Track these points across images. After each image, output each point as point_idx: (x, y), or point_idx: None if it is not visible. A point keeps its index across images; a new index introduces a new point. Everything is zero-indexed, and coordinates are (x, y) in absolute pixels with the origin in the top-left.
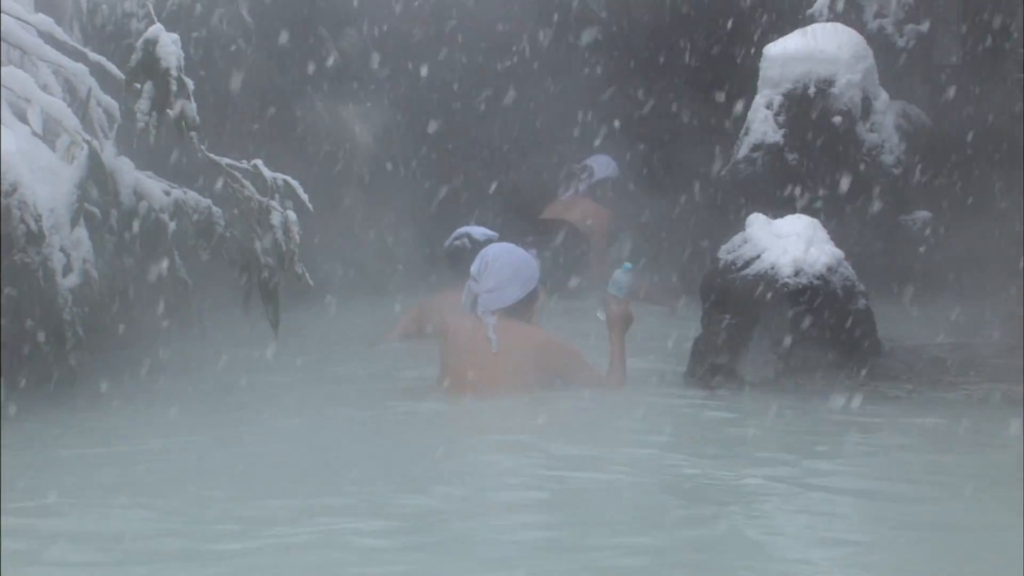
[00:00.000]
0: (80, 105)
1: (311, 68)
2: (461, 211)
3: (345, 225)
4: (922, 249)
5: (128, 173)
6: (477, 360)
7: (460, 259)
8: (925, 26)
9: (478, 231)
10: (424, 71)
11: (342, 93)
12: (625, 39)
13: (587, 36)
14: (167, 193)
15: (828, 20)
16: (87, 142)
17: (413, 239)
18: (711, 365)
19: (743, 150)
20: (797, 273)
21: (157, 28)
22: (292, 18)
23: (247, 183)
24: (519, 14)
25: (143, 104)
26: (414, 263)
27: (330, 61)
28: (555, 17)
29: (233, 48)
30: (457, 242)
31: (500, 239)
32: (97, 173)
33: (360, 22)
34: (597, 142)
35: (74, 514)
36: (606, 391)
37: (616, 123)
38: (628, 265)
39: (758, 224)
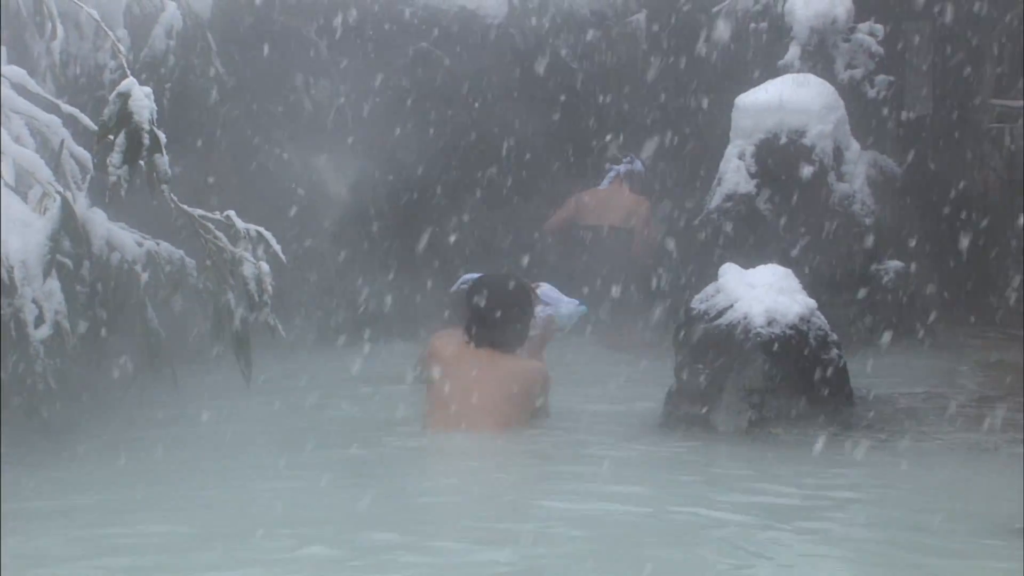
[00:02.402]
0: (53, 157)
1: (285, 119)
2: (435, 262)
3: (317, 275)
4: (893, 298)
5: (101, 224)
6: (462, 394)
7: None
8: (895, 77)
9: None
10: (397, 122)
11: (316, 144)
12: (598, 90)
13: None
14: (140, 244)
15: (799, 71)
16: (60, 193)
17: (385, 289)
18: (685, 414)
19: (716, 200)
20: (770, 323)
21: (130, 81)
22: (266, 69)
23: (219, 234)
24: (491, 67)
25: (115, 157)
26: (387, 313)
27: (303, 112)
28: (529, 69)
29: (206, 99)
30: (464, 286)
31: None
32: (69, 224)
33: (333, 73)
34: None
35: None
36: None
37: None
38: (584, 308)
39: (731, 274)
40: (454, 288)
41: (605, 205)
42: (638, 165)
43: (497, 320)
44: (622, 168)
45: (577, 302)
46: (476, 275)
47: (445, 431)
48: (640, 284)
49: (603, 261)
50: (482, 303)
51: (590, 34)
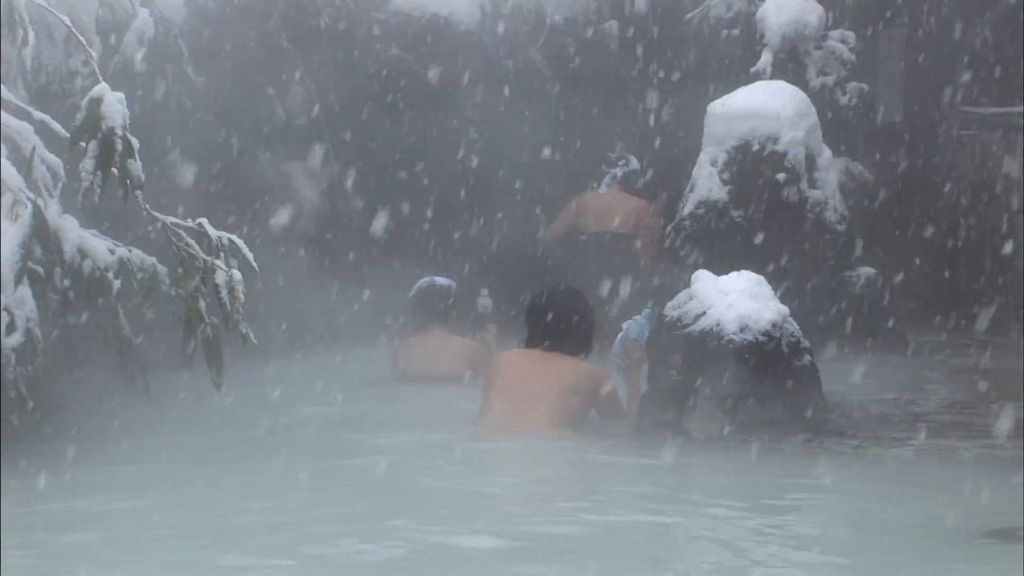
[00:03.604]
0: (24, 163)
1: (257, 126)
2: (409, 266)
3: (290, 282)
4: (866, 305)
5: (72, 231)
6: (522, 394)
7: (428, 301)
8: (867, 84)
9: (439, 279)
10: (368, 128)
11: (288, 151)
12: (570, 96)
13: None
14: (112, 251)
15: (772, 78)
16: (31, 200)
17: (358, 297)
18: (658, 421)
19: (688, 207)
20: (743, 329)
21: (102, 87)
22: (238, 76)
23: (192, 242)
24: (463, 71)
25: (88, 163)
26: (357, 320)
27: (276, 118)
28: (500, 75)
29: (179, 106)
30: (422, 288)
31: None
32: (41, 231)
33: (305, 80)
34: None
35: None
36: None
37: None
38: (648, 311)
39: (704, 281)
40: (413, 292)
41: (606, 209)
42: (634, 164)
43: (560, 323)
44: (618, 171)
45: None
46: (433, 278)
47: (499, 430)
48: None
49: (607, 266)
50: (545, 308)
51: (562, 41)
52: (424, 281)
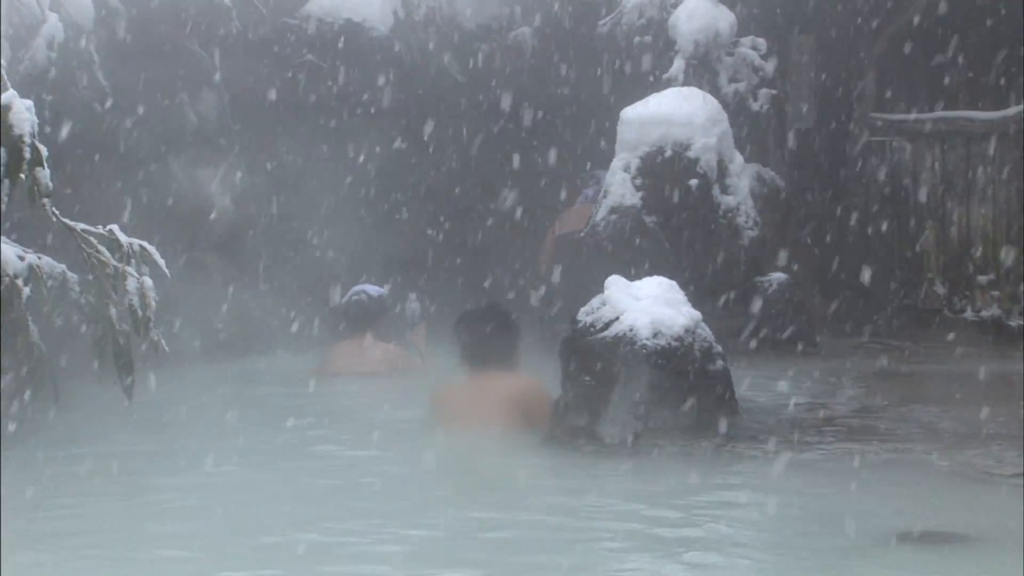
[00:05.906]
0: None
1: (169, 131)
2: (324, 274)
3: (203, 289)
4: (777, 309)
5: None
6: (468, 414)
7: (360, 311)
8: (779, 91)
9: (371, 288)
10: (281, 134)
11: (200, 156)
12: (483, 102)
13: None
14: (21, 258)
15: (684, 84)
16: None
17: (273, 302)
18: (571, 427)
19: (601, 212)
20: (655, 335)
21: (10, 94)
22: (149, 81)
23: (102, 248)
24: (376, 76)
25: None
26: (273, 326)
27: (188, 124)
28: (414, 81)
29: (89, 112)
30: (355, 298)
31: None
32: None
33: (218, 85)
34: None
35: None
36: None
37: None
38: None
39: (616, 286)
40: (347, 298)
41: (576, 218)
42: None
43: (495, 342)
44: (590, 191)
45: None
46: (365, 288)
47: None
48: None
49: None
50: (470, 330)
51: (475, 47)
52: (356, 290)
